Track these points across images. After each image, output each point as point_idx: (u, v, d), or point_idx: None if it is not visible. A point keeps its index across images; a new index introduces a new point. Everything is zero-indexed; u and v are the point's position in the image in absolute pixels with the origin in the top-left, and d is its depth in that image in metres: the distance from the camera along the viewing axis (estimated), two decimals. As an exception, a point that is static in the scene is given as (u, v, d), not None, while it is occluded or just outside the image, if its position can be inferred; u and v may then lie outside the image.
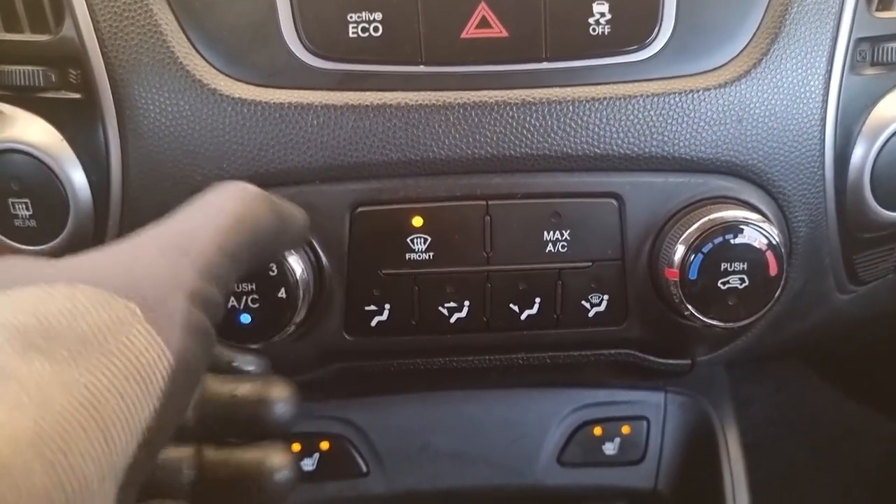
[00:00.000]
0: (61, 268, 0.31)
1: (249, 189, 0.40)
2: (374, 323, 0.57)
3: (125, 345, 0.29)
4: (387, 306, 0.56)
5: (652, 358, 0.62)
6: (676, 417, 0.76)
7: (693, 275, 0.53)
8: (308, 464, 0.74)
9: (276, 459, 0.38)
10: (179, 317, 0.31)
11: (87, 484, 0.25)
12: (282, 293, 0.51)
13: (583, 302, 0.57)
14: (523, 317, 0.57)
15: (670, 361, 0.63)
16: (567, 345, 0.60)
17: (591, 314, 0.57)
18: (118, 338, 0.29)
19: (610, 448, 0.76)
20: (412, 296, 0.56)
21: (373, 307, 0.56)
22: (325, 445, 0.74)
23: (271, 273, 0.51)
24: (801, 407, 1.15)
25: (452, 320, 0.57)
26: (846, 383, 1.09)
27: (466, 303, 0.56)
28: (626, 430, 0.76)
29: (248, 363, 0.45)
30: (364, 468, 0.75)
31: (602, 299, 0.57)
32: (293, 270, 0.51)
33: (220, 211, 0.37)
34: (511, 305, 0.56)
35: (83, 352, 0.28)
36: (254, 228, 0.38)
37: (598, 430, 0.76)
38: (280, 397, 0.39)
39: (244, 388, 0.39)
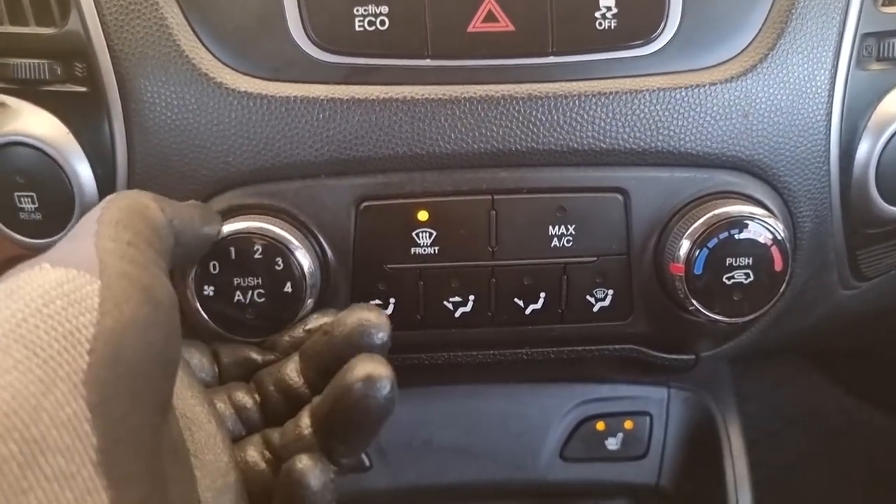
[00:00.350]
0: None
1: (152, 195, 0.41)
2: (378, 317, 0.57)
3: (37, 284, 0.30)
4: (392, 300, 0.56)
5: (656, 353, 0.62)
6: (679, 413, 0.76)
7: (698, 270, 0.53)
8: (311, 458, 0.74)
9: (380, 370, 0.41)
10: (93, 255, 0.32)
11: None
12: (288, 287, 0.51)
13: (588, 297, 0.57)
14: (528, 311, 0.57)
15: (674, 357, 0.63)
16: (572, 340, 0.60)
17: (595, 309, 0.57)
18: (30, 283, 0.30)
19: (612, 443, 0.76)
20: (417, 290, 0.56)
21: (378, 302, 0.56)
22: (328, 440, 0.74)
23: (277, 267, 0.51)
24: (801, 402, 1.15)
25: (457, 315, 0.57)
26: (846, 379, 1.09)
27: (471, 297, 0.56)
28: (628, 425, 0.76)
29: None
30: (367, 462, 0.75)
31: (607, 294, 0.57)
32: (300, 264, 0.51)
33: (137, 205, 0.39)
34: (516, 300, 0.57)
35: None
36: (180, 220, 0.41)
37: (600, 426, 0.76)
38: (377, 323, 0.44)
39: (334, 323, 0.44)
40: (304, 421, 0.43)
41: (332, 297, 0.56)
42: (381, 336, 0.44)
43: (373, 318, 0.44)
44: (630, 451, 0.76)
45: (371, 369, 0.40)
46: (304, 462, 0.40)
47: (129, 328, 0.30)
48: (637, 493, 0.82)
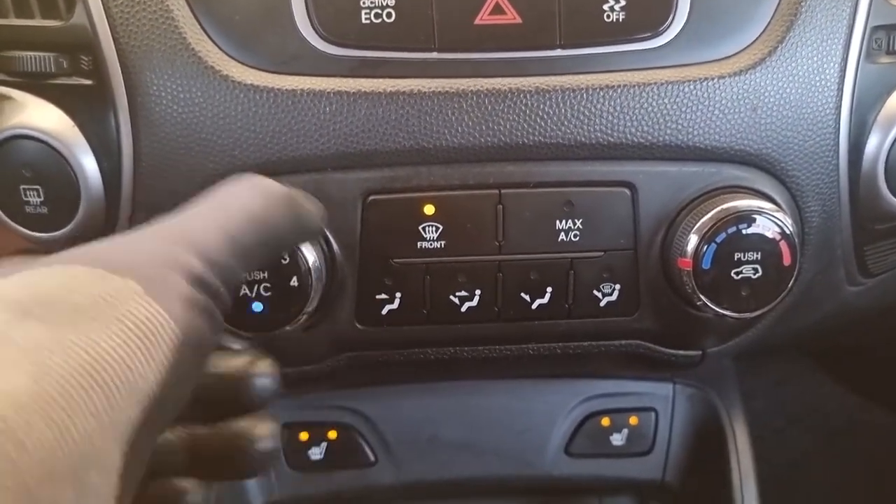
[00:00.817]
0: (59, 255, 0.31)
1: (266, 185, 0.40)
2: (385, 312, 0.57)
3: (125, 314, 0.29)
4: (398, 295, 0.56)
5: (662, 349, 0.62)
6: (684, 409, 0.75)
7: (706, 265, 0.52)
8: (316, 453, 0.74)
9: (260, 430, 0.38)
10: (178, 293, 0.31)
11: (89, 440, 0.25)
12: (294, 281, 0.51)
13: (594, 292, 0.57)
14: (535, 306, 0.57)
15: (681, 353, 0.63)
16: (578, 335, 0.60)
17: (602, 304, 0.57)
18: (117, 308, 0.29)
19: (618, 439, 0.75)
20: (423, 285, 0.56)
21: (384, 296, 0.56)
22: (332, 435, 0.74)
23: (283, 261, 0.51)
24: (805, 401, 1.15)
25: (464, 310, 0.57)
26: (849, 377, 1.09)
27: (478, 292, 0.56)
28: (633, 421, 0.75)
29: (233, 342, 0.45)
30: (372, 458, 0.75)
31: (614, 289, 0.57)
32: (306, 259, 0.51)
33: (228, 204, 0.37)
34: (522, 295, 0.56)
35: (82, 319, 0.28)
36: (266, 226, 0.38)
37: (605, 421, 0.75)
38: (262, 372, 0.38)
39: (229, 363, 0.39)
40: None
41: (338, 293, 0.56)
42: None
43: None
44: (635, 447, 0.76)
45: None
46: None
47: (179, 388, 0.31)
48: (642, 490, 0.82)
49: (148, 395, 0.28)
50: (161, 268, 0.32)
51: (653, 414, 0.76)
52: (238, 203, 0.38)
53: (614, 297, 0.57)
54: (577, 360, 0.66)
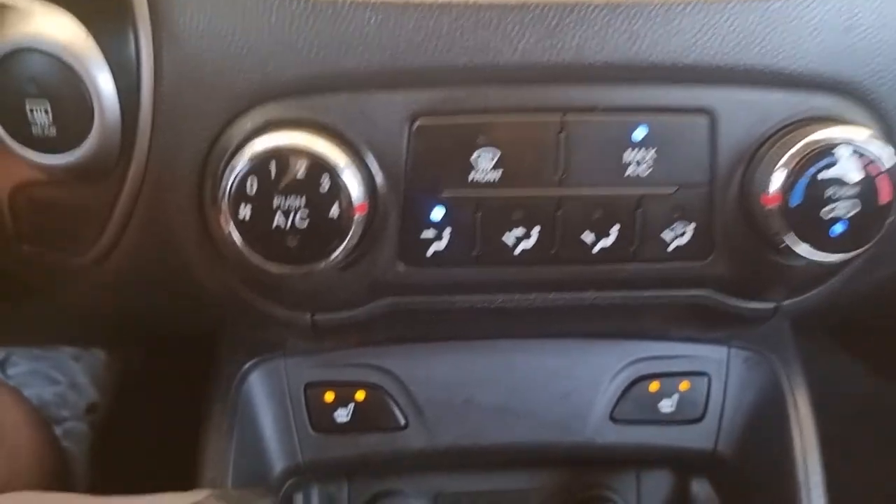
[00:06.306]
0: None
1: None
2: (430, 252, 0.51)
3: None
4: (446, 233, 0.50)
5: (733, 301, 0.56)
6: (740, 374, 0.70)
7: (794, 202, 0.47)
8: (342, 415, 0.69)
9: None
10: None
11: None
12: (334, 212, 0.46)
13: (664, 233, 0.51)
14: (596, 249, 0.51)
15: (753, 305, 0.57)
16: (641, 282, 0.54)
17: (671, 247, 0.51)
18: None
19: (667, 405, 0.70)
20: (474, 222, 0.50)
21: (430, 234, 0.50)
22: (360, 396, 0.69)
23: (322, 189, 0.45)
24: (831, 381, 1.10)
25: (517, 251, 0.51)
26: (875, 358, 1.04)
27: (534, 231, 0.50)
28: (684, 386, 0.70)
29: None
30: (402, 421, 0.69)
31: (685, 230, 0.51)
32: (346, 187, 0.46)
33: None
34: (583, 235, 0.51)
35: None
36: None
37: (654, 386, 0.70)
38: None
39: None
40: None
41: (380, 228, 0.50)
42: None
43: None
44: (685, 414, 0.70)
45: None
46: None
47: None
48: (684, 462, 0.76)
49: None
50: None
51: (705, 379, 0.70)
52: None
53: (685, 239, 0.51)
54: (632, 315, 0.61)
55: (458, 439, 0.70)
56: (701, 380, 0.70)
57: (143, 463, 0.85)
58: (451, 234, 0.50)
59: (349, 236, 0.47)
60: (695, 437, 0.70)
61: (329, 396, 0.69)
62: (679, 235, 0.51)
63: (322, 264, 0.48)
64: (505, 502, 0.84)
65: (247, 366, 0.67)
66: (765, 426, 0.69)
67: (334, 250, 0.47)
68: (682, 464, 0.79)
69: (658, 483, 0.85)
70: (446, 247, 0.51)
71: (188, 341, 0.79)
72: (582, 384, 0.70)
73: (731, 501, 0.75)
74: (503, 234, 0.50)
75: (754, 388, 0.70)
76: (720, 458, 0.71)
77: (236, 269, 0.53)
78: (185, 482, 0.63)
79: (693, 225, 0.51)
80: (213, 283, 0.55)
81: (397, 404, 0.69)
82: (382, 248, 0.51)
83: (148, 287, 0.59)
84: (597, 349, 0.70)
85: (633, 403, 0.70)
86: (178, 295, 0.60)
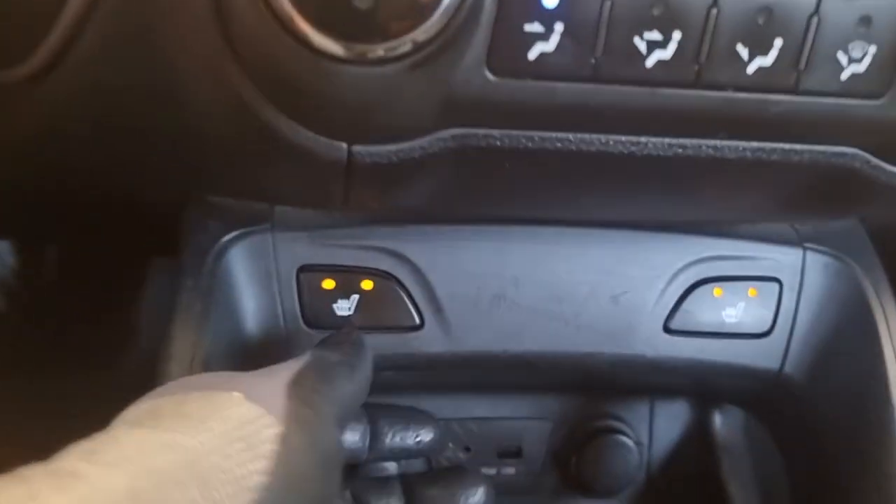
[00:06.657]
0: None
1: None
2: (533, 54, 0.37)
3: (226, 416, 0.32)
4: (558, 28, 0.37)
5: (887, 166, 0.45)
6: (817, 282, 0.59)
7: None
8: (343, 307, 0.54)
9: None
10: (282, 398, 0.35)
11: None
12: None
13: (840, 53, 0.39)
14: (751, 69, 0.38)
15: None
16: (792, 126, 0.42)
17: (845, 75, 0.39)
18: (220, 412, 0.33)
19: (731, 315, 0.59)
20: (599, 15, 0.36)
21: (537, 27, 0.37)
22: (367, 285, 0.54)
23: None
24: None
25: (650, 62, 0.38)
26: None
27: (676, 35, 0.37)
28: (752, 293, 0.59)
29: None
30: (417, 319, 0.55)
31: (866, 52, 0.39)
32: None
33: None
34: (739, 48, 0.38)
35: (186, 423, 0.31)
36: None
37: (717, 291, 0.58)
38: None
39: None
40: None
41: (469, 18, 0.36)
42: None
43: None
44: (752, 327, 0.59)
45: None
46: None
47: (295, 483, 0.33)
48: (754, 376, 0.63)
49: (256, 483, 0.31)
50: (264, 386, 0.36)
51: (777, 285, 0.59)
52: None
53: (864, 65, 0.39)
54: (736, 188, 0.49)
55: (483, 344, 0.57)
56: (771, 286, 0.59)
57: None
58: (567, 30, 0.37)
59: (429, 22, 0.33)
60: (760, 354, 0.59)
61: (328, 284, 0.54)
62: (856, 59, 0.39)
63: (384, 52, 0.33)
64: (503, 431, 0.72)
65: (225, 239, 0.52)
66: (845, 343, 0.59)
67: (404, 33, 0.33)
68: (740, 395, 0.68)
69: (674, 415, 0.75)
70: (557, 47, 0.37)
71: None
72: (633, 285, 0.58)
73: (792, 441, 0.64)
74: (636, 35, 0.37)
75: (834, 298, 0.59)
76: (786, 382, 0.60)
77: (267, 71, 0.37)
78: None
79: (874, 48, 0.39)
80: (218, 103, 0.40)
81: (412, 298, 0.55)
82: (468, 48, 0.37)
83: (109, 120, 0.43)
84: (653, 243, 0.58)
85: (692, 311, 0.58)
86: (157, 132, 0.44)
